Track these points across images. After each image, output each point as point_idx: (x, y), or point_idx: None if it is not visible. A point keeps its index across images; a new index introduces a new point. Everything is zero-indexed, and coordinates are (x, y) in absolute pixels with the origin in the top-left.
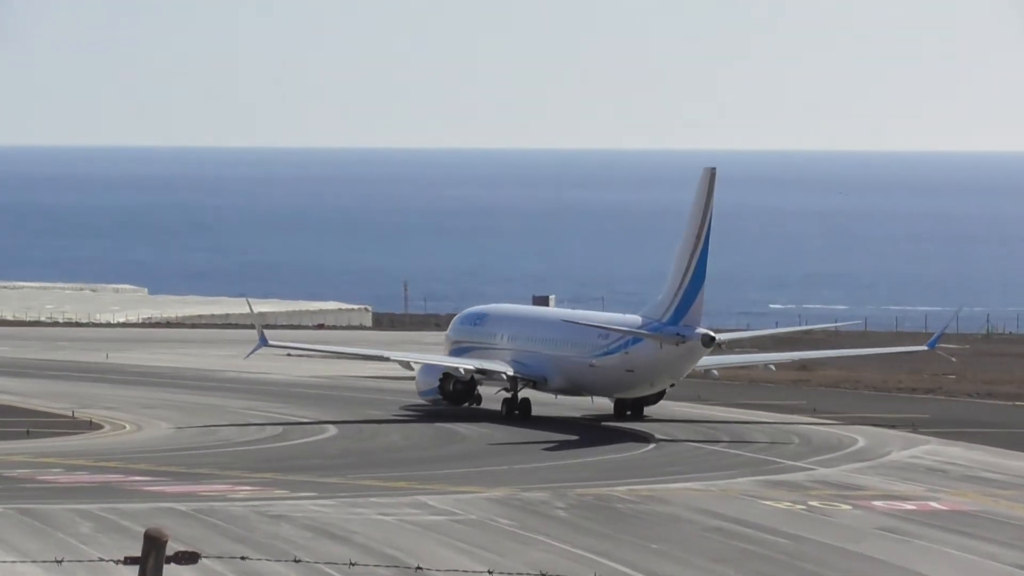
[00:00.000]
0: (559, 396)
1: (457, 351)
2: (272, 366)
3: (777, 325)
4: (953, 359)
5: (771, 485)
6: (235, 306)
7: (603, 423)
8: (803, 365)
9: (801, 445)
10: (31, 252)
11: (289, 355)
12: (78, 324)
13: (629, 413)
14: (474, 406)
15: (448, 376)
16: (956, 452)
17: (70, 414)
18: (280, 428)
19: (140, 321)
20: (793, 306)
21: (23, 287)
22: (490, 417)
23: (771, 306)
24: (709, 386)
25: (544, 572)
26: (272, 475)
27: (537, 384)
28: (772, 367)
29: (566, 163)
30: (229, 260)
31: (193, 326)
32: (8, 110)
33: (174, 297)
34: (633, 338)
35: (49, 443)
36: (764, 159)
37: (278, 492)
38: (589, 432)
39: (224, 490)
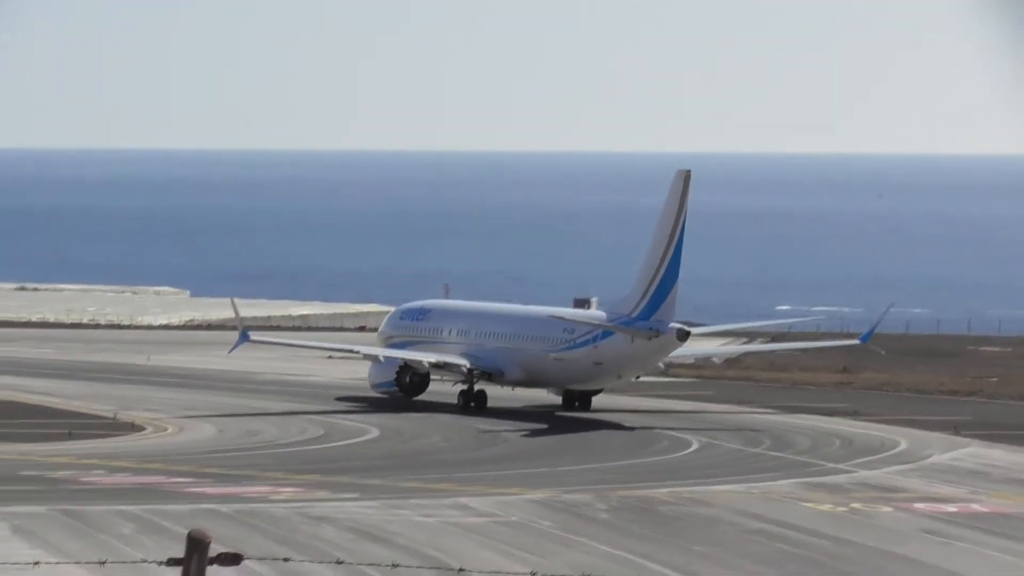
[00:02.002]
0: (515, 388)
1: (397, 346)
2: (314, 368)
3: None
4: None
5: (813, 487)
6: (276, 308)
7: (557, 413)
8: (844, 368)
9: (843, 447)
10: (72, 255)
11: (330, 357)
12: (120, 326)
13: (577, 404)
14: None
15: (406, 368)
16: (998, 454)
17: (112, 416)
18: (322, 430)
19: (181, 324)
20: (801, 308)
21: (65, 290)
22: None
23: (778, 308)
24: (751, 389)
25: (586, 574)
26: (314, 477)
27: (493, 376)
28: (715, 360)
29: (624, 166)
30: (270, 263)
31: (235, 328)
32: (40, 114)
33: (215, 299)
34: (603, 332)
35: (91, 445)
36: (780, 161)
37: (320, 494)
38: (631, 436)
39: (266, 492)
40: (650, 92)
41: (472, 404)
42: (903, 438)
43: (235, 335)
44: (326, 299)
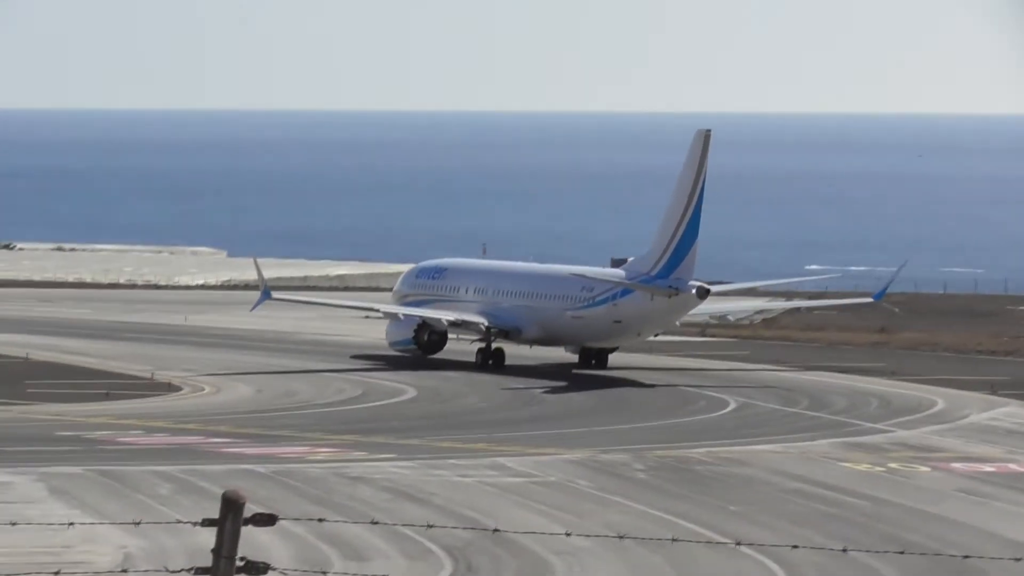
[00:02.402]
0: (532, 346)
1: (413, 304)
2: (352, 328)
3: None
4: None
5: (850, 447)
6: (314, 268)
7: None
8: (882, 328)
9: (880, 407)
10: (110, 215)
11: (367, 317)
12: (157, 287)
13: (594, 362)
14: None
15: (424, 326)
16: None
17: (149, 376)
18: (360, 390)
19: (219, 284)
20: (834, 267)
21: (102, 250)
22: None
23: (807, 267)
24: (787, 349)
25: (623, 534)
26: (351, 437)
27: (510, 335)
28: (730, 318)
29: (660, 126)
30: (307, 223)
31: (272, 288)
32: (74, 74)
33: (251, 259)
34: (622, 290)
35: (128, 405)
36: (818, 122)
37: (357, 454)
38: (668, 395)
39: (303, 452)
40: (687, 52)
41: (490, 362)
42: (940, 398)
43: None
44: (364, 259)
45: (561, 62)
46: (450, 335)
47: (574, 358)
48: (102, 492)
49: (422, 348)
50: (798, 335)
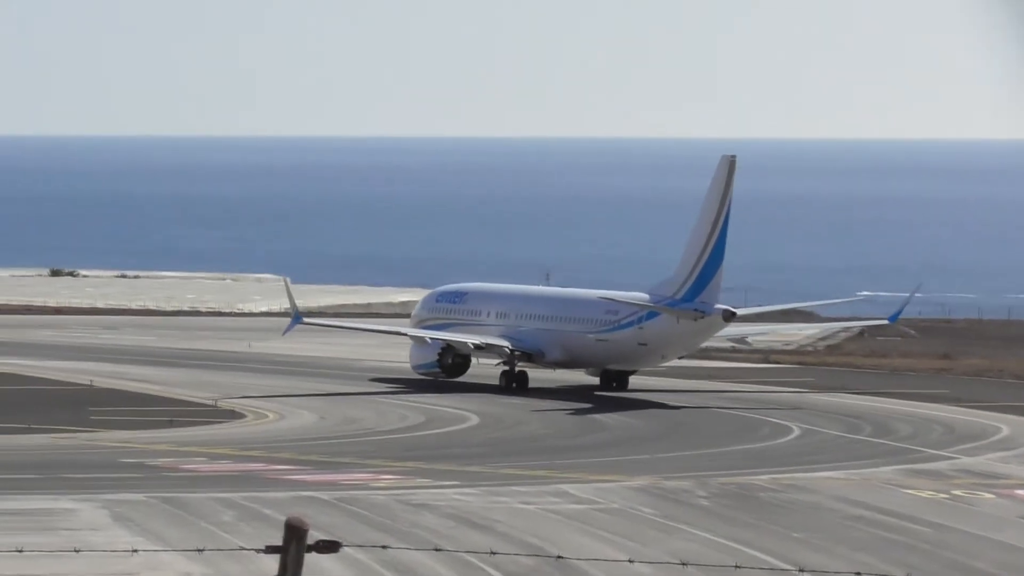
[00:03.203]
0: (556, 369)
1: (434, 328)
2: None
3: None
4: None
5: (913, 474)
6: (376, 295)
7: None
8: (945, 354)
9: (944, 434)
10: (172, 243)
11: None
12: (220, 314)
13: (615, 384)
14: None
15: (448, 350)
16: None
17: (213, 403)
18: (423, 417)
19: (282, 311)
20: (884, 294)
21: (165, 277)
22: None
23: (859, 293)
24: (852, 375)
25: (686, 561)
26: (414, 464)
27: (533, 358)
28: (749, 340)
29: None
30: (370, 249)
31: (335, 315)
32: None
33: (315, 286)
34: (648, 313)
35: (192, 432)
36: (872, 148)
37: (420, 481)
38: (731, 421)
39: (366, 479)
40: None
41: (514, 385)
42: (1005, 424)
43: (318, 322)
44: (426, 285)
45: (613, 88)
46: (473, 358)
47: (594, 380)
48: (165, 519)
49: (446, 371)
50: (862, 361)
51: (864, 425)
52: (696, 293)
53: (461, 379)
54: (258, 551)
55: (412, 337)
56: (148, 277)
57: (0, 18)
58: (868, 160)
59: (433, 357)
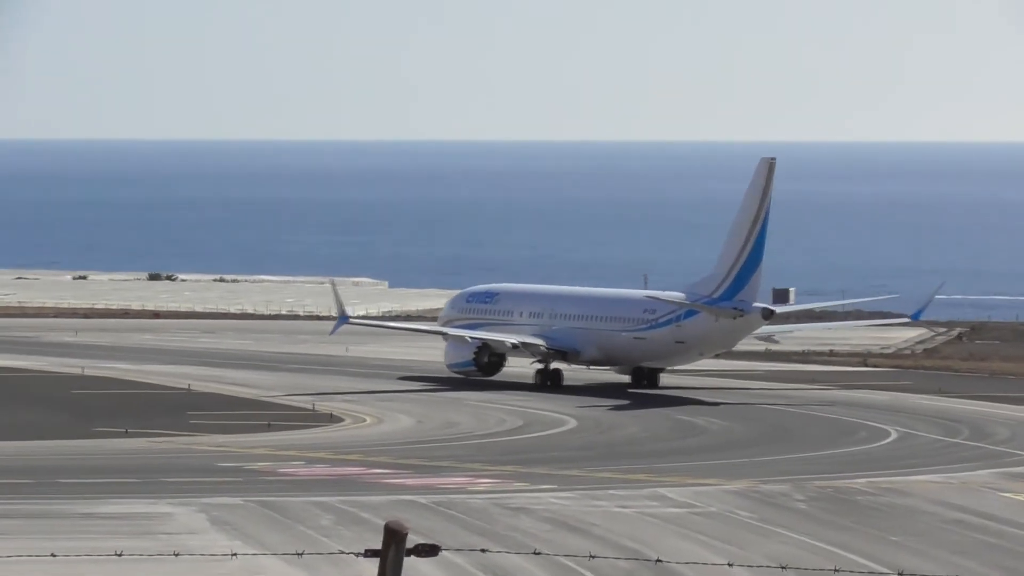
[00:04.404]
0: (590, 367)
1: (464, 327)
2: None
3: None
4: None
5: (1012, 477)
6: None
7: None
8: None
9: None
10: (273, 247)
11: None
12: (318, 318)
13: (646, 382)
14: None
15: (484, 348)
16: None
17: (311, 407)
18: (520, 421)
19: (380, 314)
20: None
21: (264, 281)
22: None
23: (938, 297)
24: (951, 379)
25: (784, 565)
26: (512, 468)
27: (568, 356)
28: (776, 338)
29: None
30: (472, 253)
31: (434, 319)
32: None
33: (414, 290)
34: (686, 311)
35: (289, 436)
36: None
37: (518, 485)
38: (829, 425)
39: (464, 483)
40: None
41: (548, 383)
42: None
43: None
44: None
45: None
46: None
47: (624, 378)
48: (263, 523)
49: (482, 370)
50: (960, 364)
51: (962, 428)
52: (735, 292)
53: (496, 377)
54: (357, 555)
55: (448, 336)
56: (246, 281)
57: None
58: (913, 163)
59: (469, 356)
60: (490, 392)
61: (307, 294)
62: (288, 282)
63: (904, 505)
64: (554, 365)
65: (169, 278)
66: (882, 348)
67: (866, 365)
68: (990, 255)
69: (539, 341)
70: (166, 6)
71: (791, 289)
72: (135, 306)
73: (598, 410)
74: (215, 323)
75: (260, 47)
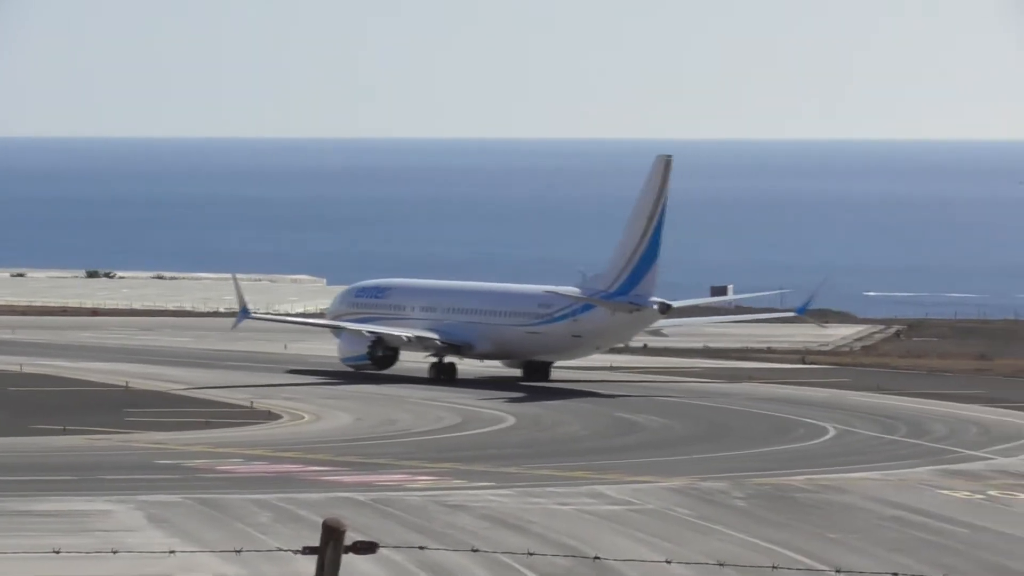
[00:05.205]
0: (484, 361)
1: (355, 322)
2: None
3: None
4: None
5: (950, 475)
6: None
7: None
8: (981, 355)
9: (980, 435)
10: (211, 244)
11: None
12: (256, 316)
13: (537, 374)
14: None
15: (379, 342)
16: None
17: (249, 404)
18: (459, 418)
19: (318, 311)
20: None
21: (203, 278)
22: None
23: (865, 294)
24: (888, 376)
25: (723, 562)
26: (450, 465)
27: (462, 350)
28: (664, 332)
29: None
30: (404, 251)
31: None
32: (168, 103)
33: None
34: (583, 306)
35: (228, 433)
36: (917, 148)
37: (456, 482)
38: (767, 422)
39: (402, 480)
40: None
41: (442, 376)
42: None
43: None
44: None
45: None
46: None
47: (515, 371)
48: (201, 520)
49: (376, 363)
50: (898, 362)
51: (900, 425)
52: (631, 287)
53: (390, 371)
54: (295, 552)
55: (341, 330)
56: (185, 278)
57: (49, 19)
58: (910, 161)
59: (364, 350)
60: (432, 390)
61: (245, 291)
62: (226, 279)
63: (842, 502)
64: (448, 359)
65: (107, 275)
66: (820, 345)
67: (804, 362)
68: (930, 252)
69: (433, 335)
70: (105, 5)
71: (729, 286)
72: (73, 303)
73: (537, 407)
74: (153, 320)
75: (209, 42)
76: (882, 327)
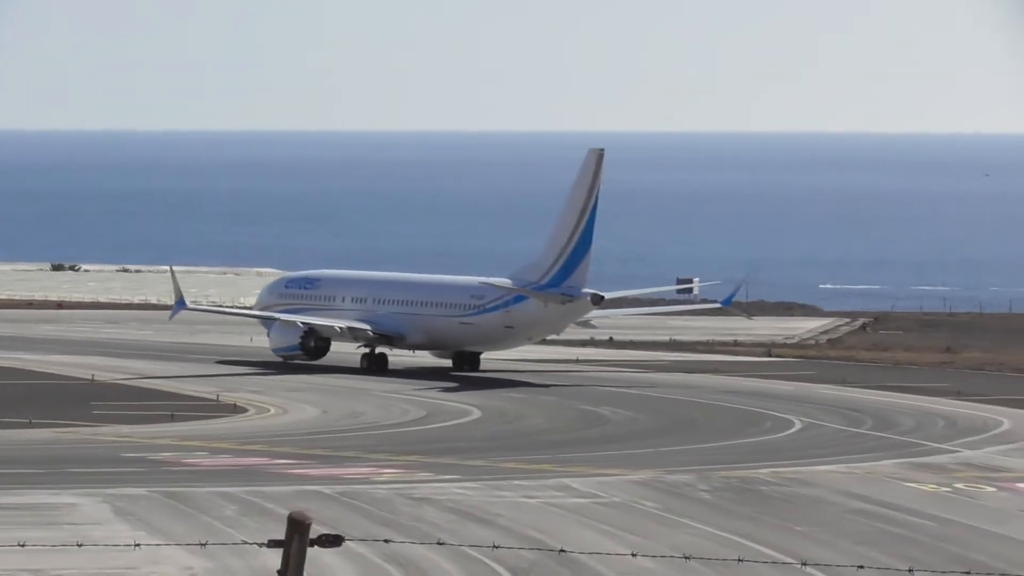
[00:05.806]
0: (415, 351)
1: (284, 313)
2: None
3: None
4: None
5: (916, 467)
6: None
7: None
8: (948, 348)
9: (946, 427)
10: (175, 237)
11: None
12: (221, 309)
13: (467, 366)
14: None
15: (311, 333)
16: None
17: (215, 397)
18: (424, 411)
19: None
20: (846, 287)
21: (167, 271)
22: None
23: (821, 286)
24: (854, 369)
25: (689, 555)
26: (416, 458)
27: (394, 341)
28: (593, 323)
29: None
30: (370, 244)
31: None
32: (132, 96)
33: None
34: (515, 297)
35: (193, 426)
36: (879, 142)
37: (422, 475)
38: (734, 415)
39: (368, 473)
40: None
41: (374, 367)
42: (1006, 418)
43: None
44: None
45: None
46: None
47: (444, 362)
48: (167, 513)
49: (308, 354)
50: (864, 355)
51: (866, 419)
52: (563, 278)
53: (322, 361)
54: (260, 545)
55: (272, 321)
56: (149, 271)
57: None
58: (875, 154)
59: (296, 340)
60: (395, 382)
61: (210, 284)
62: (191, 272)
63: (808, 495)
64: (379, 350)
65: (72, 268)
66: (786, 338)
67: (770, 355)
68: (894, 245)
69: (365, 326)
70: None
71: (695, 279)
72: (38, 296)
73: (502, 400)
74: (118, 314)
75: (177, 36)
76: (848, 320)
